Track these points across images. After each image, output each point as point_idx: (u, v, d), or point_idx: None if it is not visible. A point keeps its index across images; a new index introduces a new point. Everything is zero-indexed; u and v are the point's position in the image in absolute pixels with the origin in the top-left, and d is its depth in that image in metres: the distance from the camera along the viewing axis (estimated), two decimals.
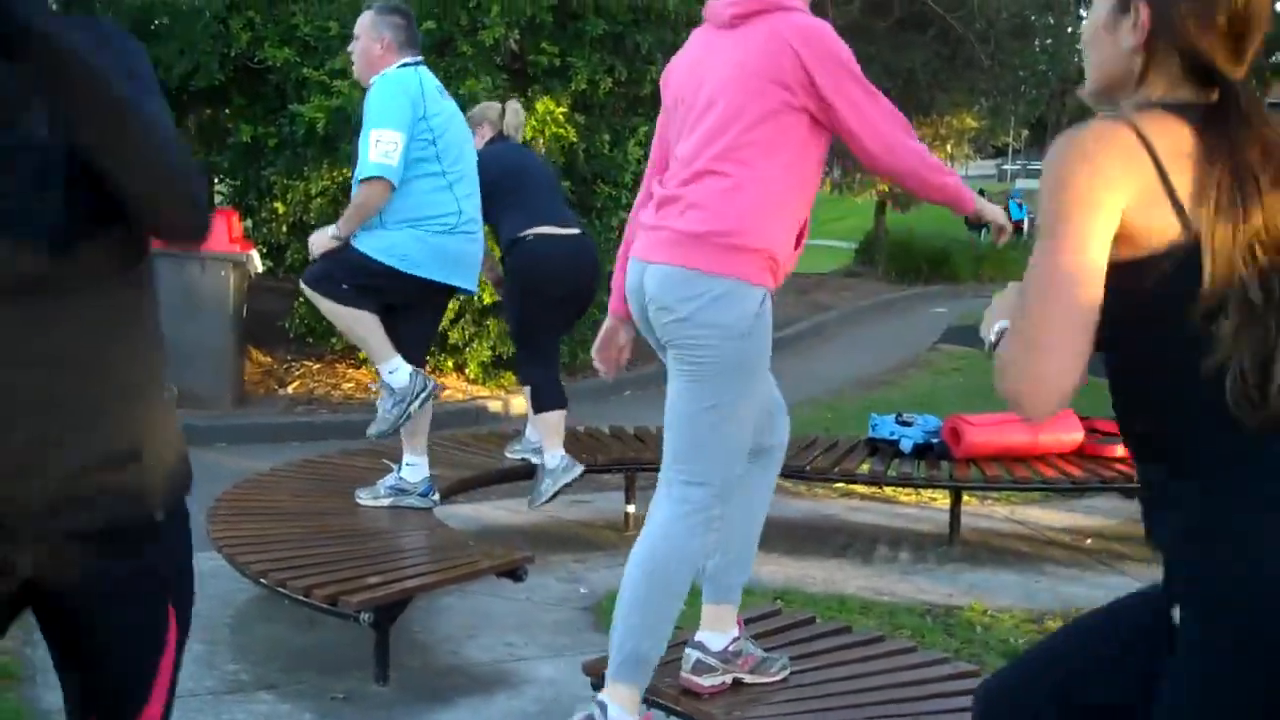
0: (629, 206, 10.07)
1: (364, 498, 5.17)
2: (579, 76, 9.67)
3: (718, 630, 3.44)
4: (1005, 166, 53.91)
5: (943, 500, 6.65)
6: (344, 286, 4.94)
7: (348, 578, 4.20)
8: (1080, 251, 1.76)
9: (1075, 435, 6.24)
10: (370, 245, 4.91)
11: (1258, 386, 1.76)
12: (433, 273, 4.99)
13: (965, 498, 6.66)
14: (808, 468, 6.07)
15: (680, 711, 3.41)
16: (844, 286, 19.39)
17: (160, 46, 9.43)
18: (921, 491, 7.06)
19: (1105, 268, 1.77)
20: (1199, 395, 1.78)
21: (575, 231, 5.82)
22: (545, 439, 5.69)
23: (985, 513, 6.85)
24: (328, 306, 5.04)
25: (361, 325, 4.99)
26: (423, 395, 4.98)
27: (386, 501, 5.14)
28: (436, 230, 4.94)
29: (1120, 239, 1.77)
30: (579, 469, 5.69)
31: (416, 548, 4.71)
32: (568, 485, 5.70)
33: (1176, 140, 1.80)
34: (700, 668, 3.40)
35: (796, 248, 3.26)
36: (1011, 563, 6.03)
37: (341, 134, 9.13)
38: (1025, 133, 44.27)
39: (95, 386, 1.93)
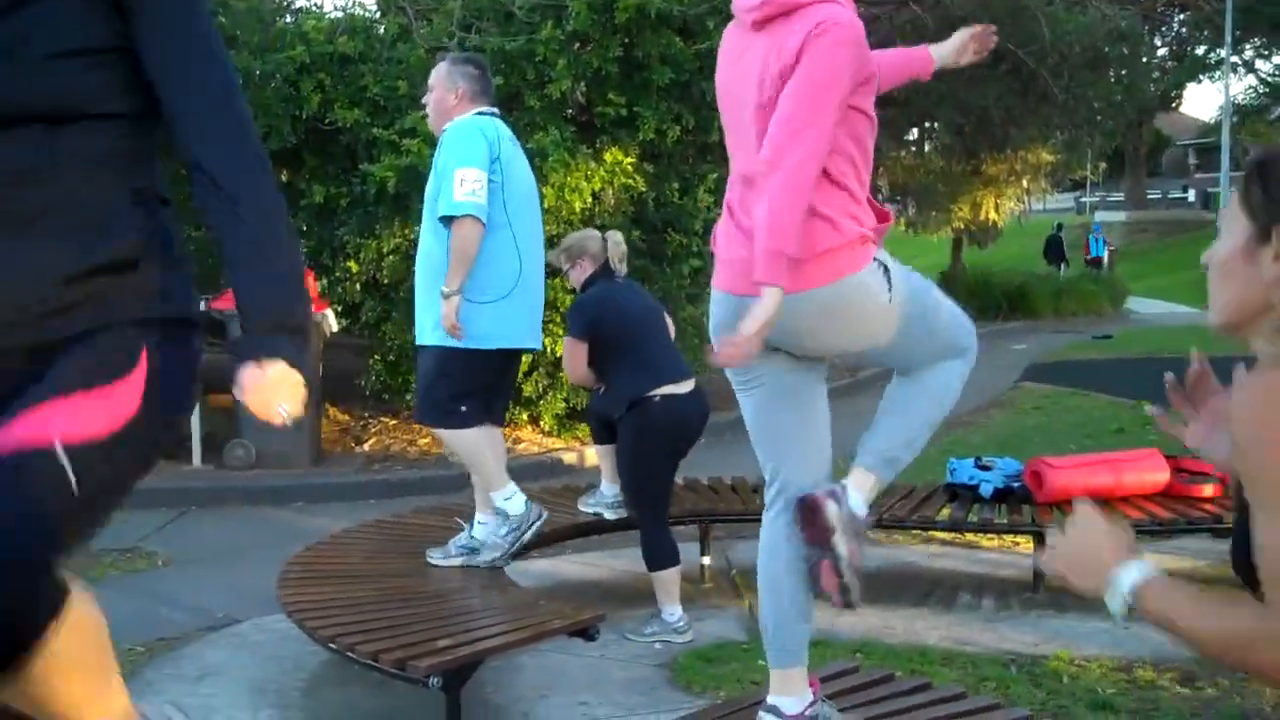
0: (700, 254, 10.12)
1: (436, 558, 5.14)
2: (646, 126, 9.69)
3: (791, 694, 3.35)
4: (1083, 199, 53.36)
5: (1026, 545, 6.51)
6: (460, 408, 4.90)
7: (416, 641, 4.15)
8: None
9: (1161, 475, 6.08)
10: (440, 336, 4.85)
11: None
12: (506, 341, 4.96)
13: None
14: (885, 515, 5.96)
15: None
16: None
17: None
18: (1004, 536, 6.91)
19: None
20: None
21: (693, 386, 5.67)
22: (661, 596, 5.50)
23: None
24: (449, 436, 4.99)
25: (481, 454, 4.94)
26: (537, 525, 4.93)
27: (458, 561, 5.10)
28: (499, 296, 4.87)
29: None
30: (689, 633, 5.47)
31: (487, 608, 4.66)
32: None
33: None
34: (833, 497, 3.26)
35: (881, 221, 3.24)
36: (1098, 608, 5.82)
37: (412, 192, 9.19)
38: (1103, 165, 43.87)
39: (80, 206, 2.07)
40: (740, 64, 3.20)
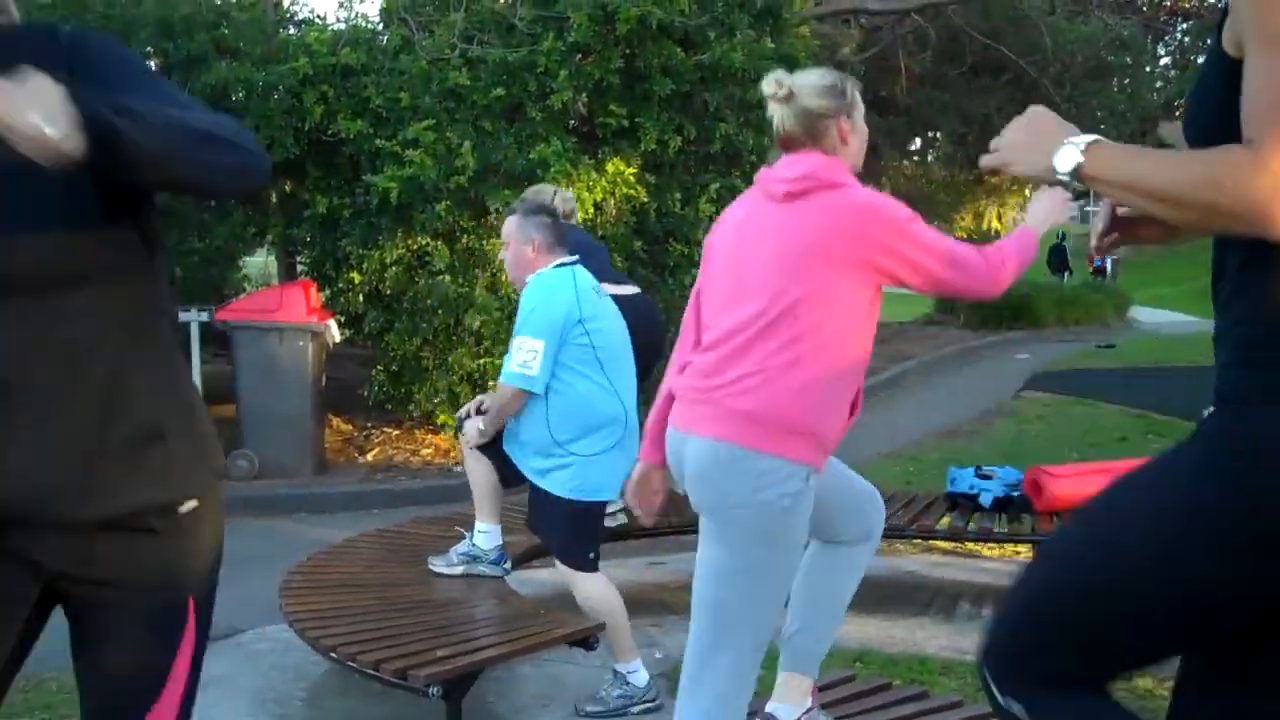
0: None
1: (437, 565, 5.16)
2: (648, 137, 9.72)
3: (790, 701, 3.37)
4: (1088, 208, 53.32)
5: (1027, 554, 6.52)
6: (590, 555, 4.80)
7: (416, 650, 4.17)
8: None
9: None
10: (556, 484, 4.74)
11: None
12: (614, 491, 4.82)
13: None
14: (885, 525, 5.96)
15: None
16: (924, 335, 19.25)
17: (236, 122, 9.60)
18: (1005, 545, 6.94)
19: None
20: None
21: (634, 290, 5.82)
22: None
23: None
24: (587, 588, 4.79)
25: (616, 613, 4.76)
26: (649, 703, 4.76)
27: (459, 569, 5.12)
28: (609, 446, 4.74)
29: None
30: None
31: (487, 618, 4.68)
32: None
33: None
34: None
35: (852, 415, 3.16)
36: None
37: (415, 203, 9.24)
38: None
39: (110, 374, 1.96)
40: (757, 234, 3.13)
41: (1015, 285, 13.06)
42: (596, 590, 4.74)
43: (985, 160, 1.97)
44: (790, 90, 3.12)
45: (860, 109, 3.22)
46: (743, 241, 3.15)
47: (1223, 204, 1.65)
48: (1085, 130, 1.86)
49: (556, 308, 4.66)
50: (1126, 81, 20.34)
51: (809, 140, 3.12)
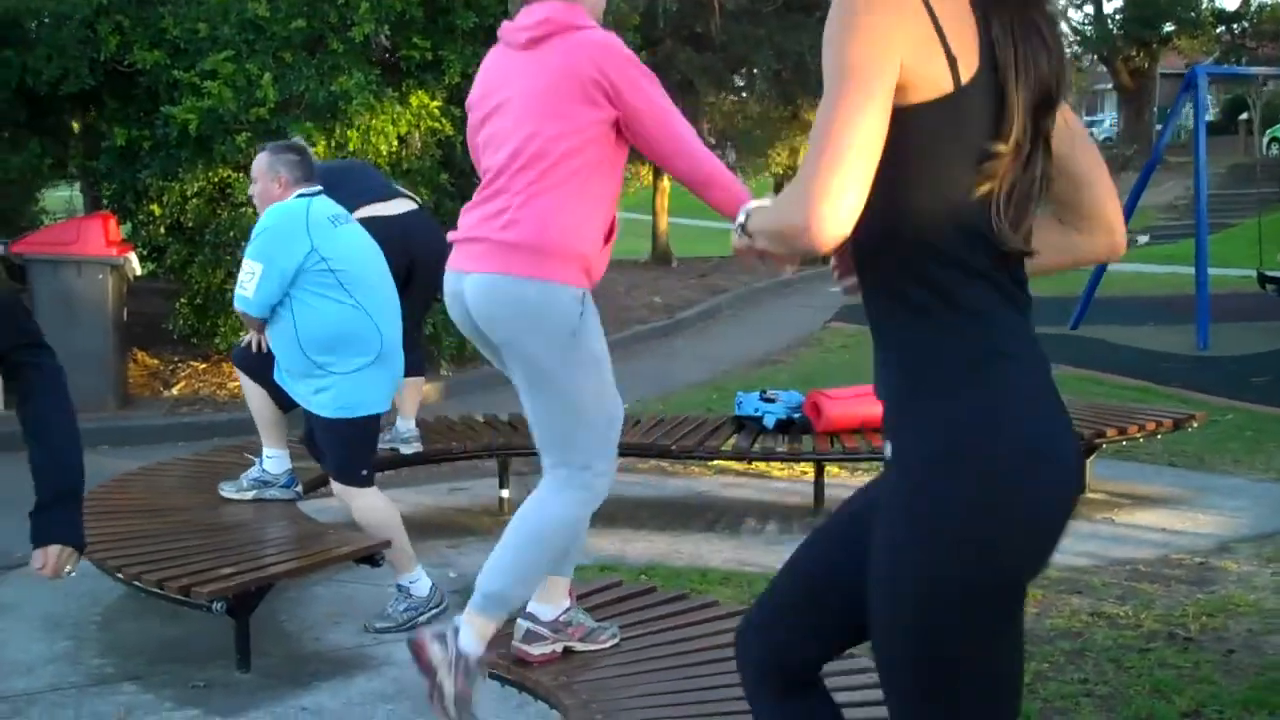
0: None
1: (228, 491, 5.25)
2: (452, 70, 9.75)
3: (549, 602, 3.58)
4: None
5: (810, 472, 6.83)
6: (363, 472, 4.93)
7: (202, 569, 4.28)
8: (868, 96, 1.80)
9: None
10: (321, 406, 4.85)
11: (1013, 222, 1.91)
12: (377, 407, 4.98)
13: (833, 469, 6.87)
14: (674, 446, 6.23)
15: (511, 680, 3.55)
16: (741, 269, 19.59)
17: (28, 52, 9.39)
18: (795, 466, 7.25)
19: (889, 109, 1.83)
20: (955, 240, 1.90)
21: (406, 208, 5.97)
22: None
23: (853, 484, 7.04)
24: (361, 504, 4.91)
25: (393, 528, 4.88)
26: (436, 611, 4.91)
27: (250, 494, 5.22)
28: (366, 363, 4.84)
29: (901, 87, 1.84)
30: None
31: (275, 538, 4.80)
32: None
33: None
34: (530, 637, 3.53)
35: (606, 243, 3.42)
36: None
37: (215, 134, 9.16)
38: None
39: None
40: (506, 83, 3.38)
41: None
42: (372, 504, 4.91)
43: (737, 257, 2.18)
44: None
45: None
46: (490, 93, 3.42)
47: (786, 235, 1.87)
48: None
49: (281, 233, 4.81)
50: None
51: None
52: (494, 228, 3.31)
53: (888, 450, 2.00)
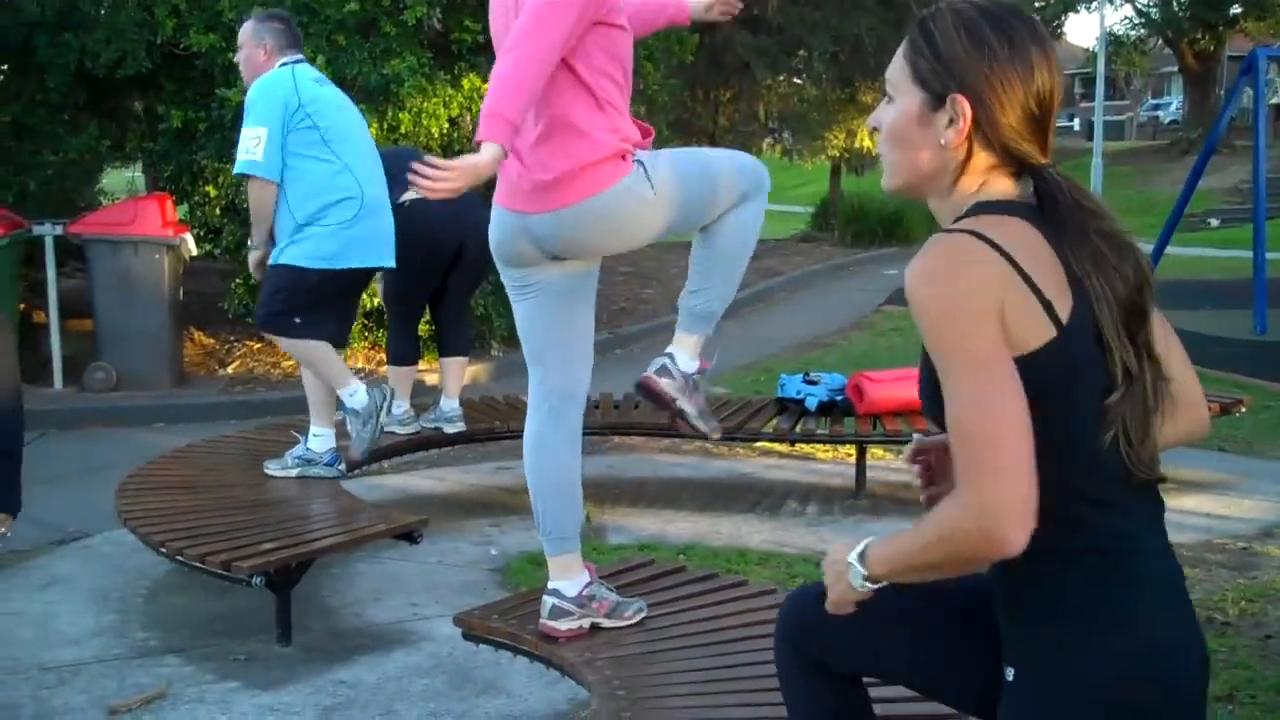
0: None
1: (273, 469, 5.34)
2: None
3: (569, 578, 3.62)
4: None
5: (852, 454, 6.84)
6: (296, 320, 5.11)
7: (243, 544, 4.36)
8: (996, 365, 1.78)
9: None
10: (292, 255, 5.07)
11: (1138, 441, 1.86)
12: (355, 260, 5.17)
13: (877, 451, 6.88)
14: None
15: (539, 655, 3.59)
16: (797, 252, 19.56)
17: (87, 35, 9.54)
18: (838, 448, 7.26)
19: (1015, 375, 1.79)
20: (1084, 475, 1.87)
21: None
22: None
23: (895, 465, 7.04)
24: (287, 344, 5.25)
25: (317, 356, 5.18)
26: (384, 405, 5.17)
27: (295, 472, 5.31)
28: (347, 219, 5.09)
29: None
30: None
31: (316, 514, 4.87)
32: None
33: (1023, 238, 1.84)
34: (557, 613, 3.58)
35: (645, 136, 3.53)
36: (915, 512, 6.16)
37: None
38: None
39: None
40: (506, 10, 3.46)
41: (888, 202, 13.23)
42: (298, 340, 5.17)
43: (831, 610, 2.09)
44: None
45: None
46: (504, 18, 3.47)
47: (965, 554, 1.81)
48: None
49: (274, 96, 5.01)
50: None
51: None
52: (527, 169, 3.41)
53: (1009, 675, 1.95)
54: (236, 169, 5.07)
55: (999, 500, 1.74)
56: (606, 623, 3.63)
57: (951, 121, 1.90)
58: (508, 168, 3.44)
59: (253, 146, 4.95)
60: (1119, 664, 1.85)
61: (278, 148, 4.96)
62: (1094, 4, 35.56)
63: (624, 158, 3.42)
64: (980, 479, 1.75)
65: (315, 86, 5.13)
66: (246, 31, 5.17)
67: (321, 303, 5.15)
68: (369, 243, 5.20)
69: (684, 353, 3.66)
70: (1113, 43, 37.13)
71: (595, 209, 3.40)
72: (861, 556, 1.98)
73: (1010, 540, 1.74)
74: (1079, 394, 1.85)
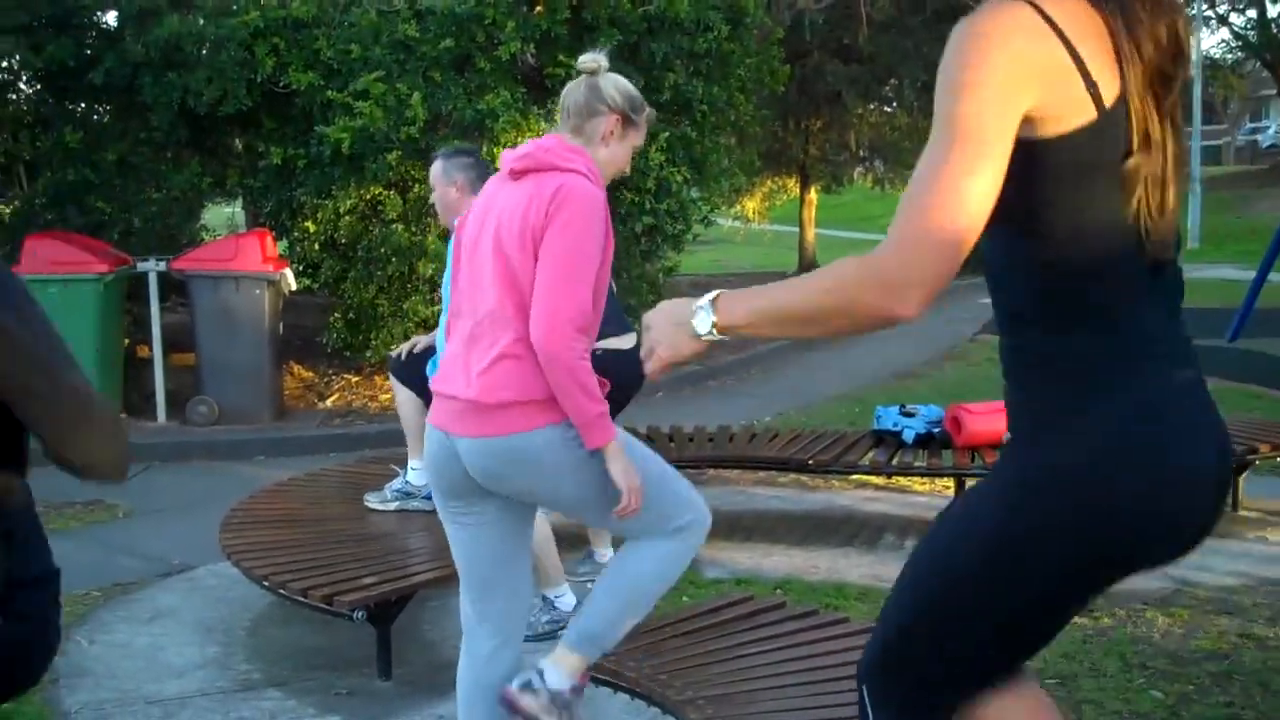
0: (651, 211, 10.28)
1: (372, 502, 5.39)
2: None
3: (561, 670, 3.33)
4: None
5: (950, 488, 6.77)
6: None
7: (345, 579, 4.41)
8: (987, 148, 1.76)
9: None
10: None
11: (1158, 208, 1.85)
12: None
13: (973, 484, 6.79)
14: (811, 460, 6.21)
15: (639, 693, 3.58)
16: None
17: (190, 74, 9.76)
18: (935, 480, 7.18)
19: (1004, 167, 1.77)
20: (1102, 258, 1.86)
21: (635, 341, 5.86)
22: (594, 537, 5.83)
23: None
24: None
25: (543, 544, 4.93)
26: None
27: (393, 505, 5.36)
28: None
29: (1037, 120, 1.79)
30: None
31: (415, 548, 4.91)
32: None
33: (1079, 12, 1.82)
34: (527, 689, 3.30)
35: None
36: None
37: (366, 153, 9.39)
38: None
39: None
40: (490, 215, 3.23)
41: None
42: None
43: (648, 367, 2.08)
44: (599, 68, 3.27)
45: (640, 135, 3.35)
46: (480, 226, 3.25)
47: (853, 310, 1.80)
48: None
49: None
50: None
51: (575, 118, 3.23)
52: (469, 387, 3.15)
53: (1005, 438, 1.99)
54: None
55: (912, 267, 1.74)
56: None
57: None
58: (453, 386, 3.21)
59: None
60: (1117, 425, 1.85)
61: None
62: (1190, 27, 35.05)
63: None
64: (902, 243, 1.75)
65: None
66: (435, 171, 5.05)
67: None
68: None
69: (560, 670, 3.27)
70: (1209, 66, 36.55)
71: (522, 446, 3.10)
72: (712, 303, 1.95)
73: (901, 313, 1.75)
74: (1104, 179, 1.83)
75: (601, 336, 5.63)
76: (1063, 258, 1.86)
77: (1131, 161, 1.82)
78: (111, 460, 2.05)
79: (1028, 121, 1.79)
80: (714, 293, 1.98)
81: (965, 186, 1.75)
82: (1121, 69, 1.82)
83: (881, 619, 2.14)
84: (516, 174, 3.19)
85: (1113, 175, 1.83)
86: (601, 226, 3.12)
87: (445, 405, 3.22)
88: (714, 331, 1.97)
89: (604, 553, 5.88)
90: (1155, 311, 1.92)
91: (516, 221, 3.11)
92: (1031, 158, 1.80)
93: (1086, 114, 1.80)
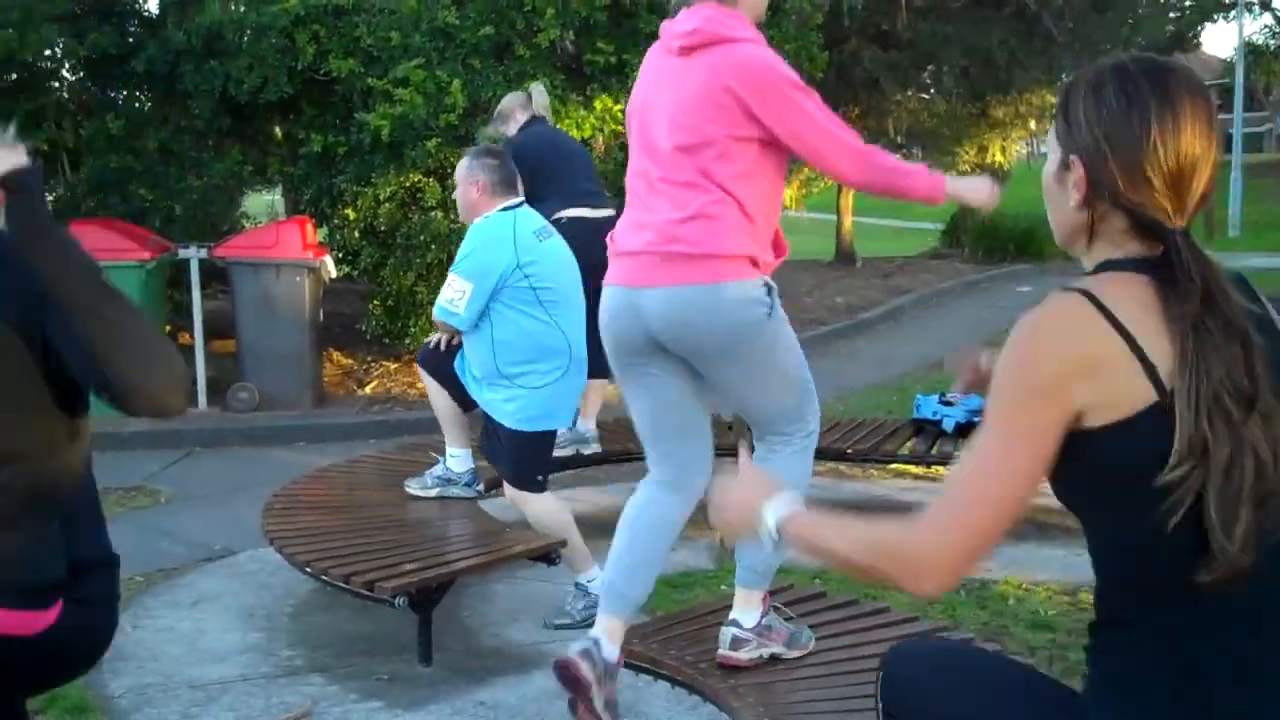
0: None
1: (413, 488, 5.42)
2: (636, 74, 9.79)
3: (750, 609, 3.63)
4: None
5: None
6: (538, 478, 5.06)
7: (386, 565, 4.43)
8: (1023, 445, 1.83)
9: None
10: (515, 419, 4.97)
11: (1225, 529, 1.76)
12: (564, 420, 5.25)
13: None
14: (849, 449, 6.20)
15: (681, 680, 3.61)
16: (926, 269, 19.32)
17: (231, 62, 9.82)
18: None
19: (1049, 459, 1.83)
20: (1164, 556, 1.83)
21: (608, 213, 6.04)
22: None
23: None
24: (536, 509, 5.06)
25: (567, 528, 5.01)
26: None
27: (434, 491, 5.38)
28: (555, 378, 4.97)
29: (1091, 411, 1.80)
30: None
31: (455, 535, 4.94)
32: None
33: (1139, 299, 1.82)
34: (737, 643, 3.59)
35: (777, 257, 3.47)
36: (1056, 537, 6.09)
37: (406, 140, 9.42)
38: None
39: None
40: (659, 91, 3.44)
41: (1020, 218, 13.04)
42: (544, 507, 5.03)
43: (713, 519, 2.23)
44: None
45: None
46: (645, 98, 3.48)
47: (883, 571, 1.93)
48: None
49: (492, 256, 4.92)
50: (1128, 17, 20.17)
51: None
52: (660, 240, 3.35)
53: None
54: (436, 313, 5.09)
55: (943, 553, 1.85)
56: (785, 652, 3.63)
57: (1075, 184, 1.92)
58: (632, 242, 3.46)
59: (457, 299, 4.91)
60: None
61: (480, 305, 4.90)
62: (1231, 13, 34.68)
63: (753, 264, 3.39)
64: (942, 525, 1.86)
65: (535, 243, 4.98)
66: (461, 169, 5.10)
67: (541, 460, 5.13)
68: (573, 399, 5.22)
69: (611, 641, 3.56)
70: (1251, 52, 36.18)
71: (706, 296, 3.34)
72: (778, 514, 2.06)
73: (924, 589, 1.87)
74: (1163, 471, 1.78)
75: (570, 206, 5.96)
76: (1125, 557, 1.89)
77: (1175, 474, 1.76)
78: (171, 385, 2.12)
79: (1080, 414, 1.81)
80: (791, 507, 2.07)
81: (991, 487, 1.85)
82: (1181, 377, 1.78)
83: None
84: (686, 50, 3.35)
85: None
86: (792, 71, 3.40)
87: (630, 261, 3.43)
88: (773, 540, 2.09)
89: (588, 424, 6.41)
90: (1227, 633, 1.87)
91: (702, 96, 3.28)
92: (1082, 449, 1.83)
93: (1146, 396, 1.78)
